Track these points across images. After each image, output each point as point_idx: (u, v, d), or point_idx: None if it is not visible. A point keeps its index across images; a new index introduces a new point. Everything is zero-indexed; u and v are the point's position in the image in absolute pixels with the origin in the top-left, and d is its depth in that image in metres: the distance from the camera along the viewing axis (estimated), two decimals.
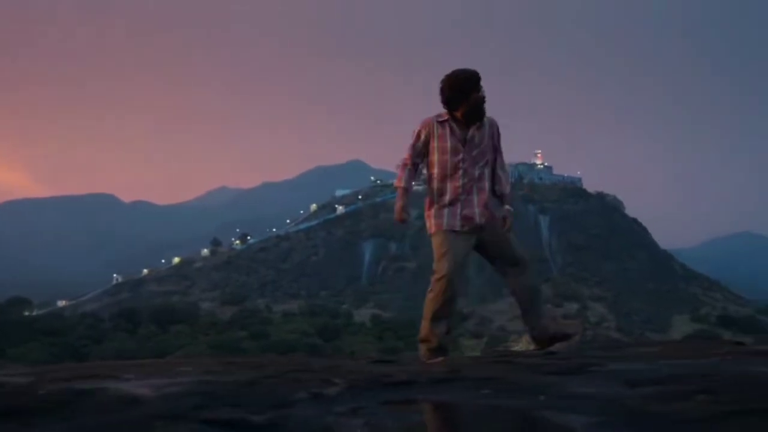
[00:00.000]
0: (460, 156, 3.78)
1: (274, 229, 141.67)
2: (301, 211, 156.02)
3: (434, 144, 3.80)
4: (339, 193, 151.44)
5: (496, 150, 3.98)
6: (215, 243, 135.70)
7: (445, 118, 3.79)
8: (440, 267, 3.80)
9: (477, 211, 3.83)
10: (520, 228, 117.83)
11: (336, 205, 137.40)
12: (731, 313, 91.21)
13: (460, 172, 3.79)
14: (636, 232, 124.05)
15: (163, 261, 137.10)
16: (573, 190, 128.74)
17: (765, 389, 2.05)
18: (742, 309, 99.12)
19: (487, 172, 3.90)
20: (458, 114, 3.77)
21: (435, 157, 3.83)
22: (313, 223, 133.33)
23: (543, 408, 1.96)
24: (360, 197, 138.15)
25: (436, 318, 3.81)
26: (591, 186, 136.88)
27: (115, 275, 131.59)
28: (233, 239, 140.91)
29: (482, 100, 3.75)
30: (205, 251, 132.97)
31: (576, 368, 2.69)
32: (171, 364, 3.12)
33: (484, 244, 3.93)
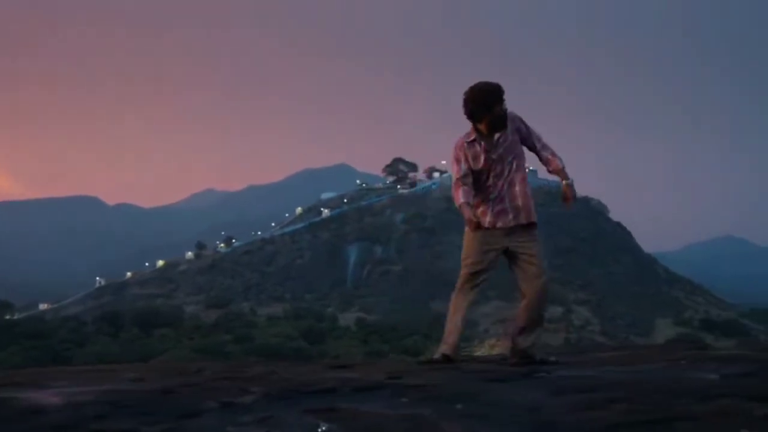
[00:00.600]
0: (489, 157, 4.04)
1: (259, 233, 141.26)
2: (287, 215, 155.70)
3: (470, 161, 4.08)
4: (325, 196, 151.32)
5: (529, 138, 4.19)
6: (200, 246, 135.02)
7: (473, 137, 4.06)
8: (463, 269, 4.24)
9: (510, 206, 4.14)
10: None
11: (322, 209, 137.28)
12: (714, 317, 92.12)
13: (492, 173, 4.06)
14: (620, 236, 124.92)
15: (147, 264, 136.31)
16: (557, 194, 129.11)
17: (687, 397, 2.02)
18: (724, 313, 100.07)
19: (516, 166, 4.14)
20: (482, 126, 4.00)
21: (475, 173, 4.11)
22: (299, 226, 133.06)
23: (451, 418, 1.95)
24: (346, 201, 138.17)
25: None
26: (576, 190, 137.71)
27: (98, 278, 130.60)
28: (218, 242, 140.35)
29: (504, 113, 3.97)
30: (190, 254, 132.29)
31: (523, 375, 2.72)
32: (116, 370, 3.12)
33: (510, 252, 4.26)
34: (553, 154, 4.23)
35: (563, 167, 4.22)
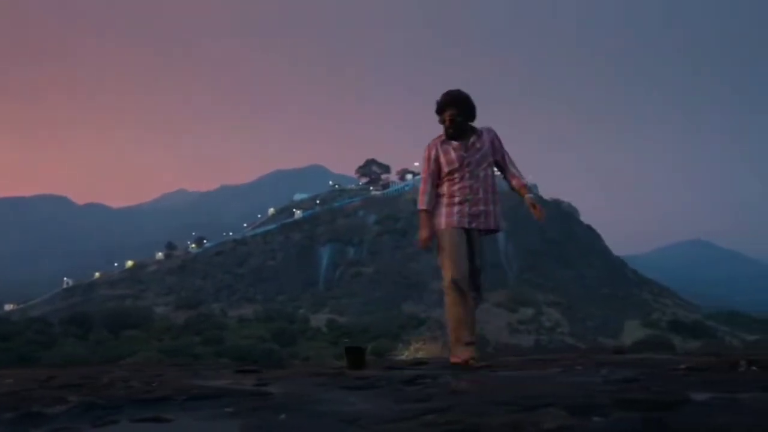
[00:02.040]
0: (464, 161, 4.14)
1: (231, 233, 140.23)
2: (259, 215, 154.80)
3: (441, 160, 4.19)
4: (297, 197, 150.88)
5: (501, 152, 4.32)
6: (170, 246, 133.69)
7: (444, 137, 4.22)
8: (445, 272, 4.15)
9: (485, 210, 4.20)
10: None
11: (294, 210, 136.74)
12: (681, 319, 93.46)
13: (467, 173, 4.13)
14: (590, 239, 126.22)
15: (116, 264, 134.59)
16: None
17: (511, 406, 2.04)
18: (691, 315, 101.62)
19: (491, 173, 4.26)
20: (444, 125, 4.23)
21: (445, 170, 4.19)
22: (271, 227, 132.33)
23: (253, 430, 1.96)
24: (318, 202, 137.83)
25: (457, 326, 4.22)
26: (547, 193, 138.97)
27: (65, 279, 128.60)
28: (189, 243, 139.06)
29: (452, 120, 4.12)
30: (160, 255, 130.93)
31: (401, 381, 2.76)
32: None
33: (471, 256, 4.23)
34: (519, 173, 4.36)
35: (526, 184, 4.35)
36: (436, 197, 4.22)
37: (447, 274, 4.09)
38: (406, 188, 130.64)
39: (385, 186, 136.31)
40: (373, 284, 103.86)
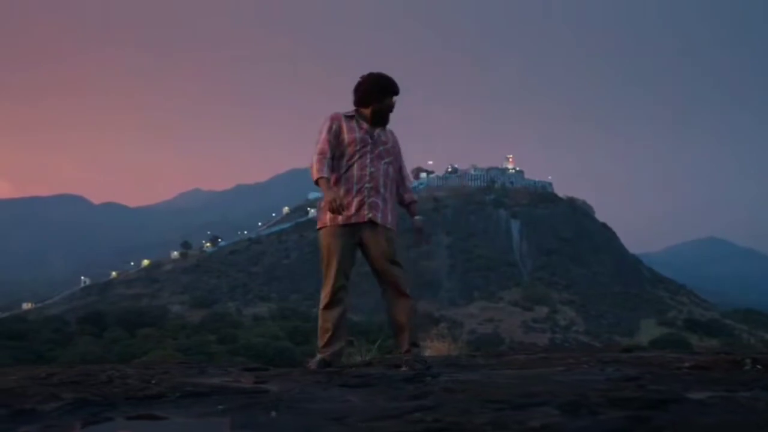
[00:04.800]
0: (368, 147, 3.74)
1: (245, 232, 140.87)
2: (273, 214, 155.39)
3: (343, 136, 3.73)
4: (312, 196, 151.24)
5: (400, 160, 3.96)
6: (185, 246, 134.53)
7: (352, 114, 3.80)
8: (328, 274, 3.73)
9: (385, 210, 3.77)
10: (491, 232, 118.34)
11: (309, 208, 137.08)
12: (697, 317, 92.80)
13: (368, 160, 3.73)
14: (605, 237, 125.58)
15: (132, 263, 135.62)
16: (544, 195, 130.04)
17: (502, 405, 2.03)
18: (707, 313, 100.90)
19: (392, 171, 3.84)
20: (367, 111, 3.79)
21: (345, 150, 3.73)
22: (286, 226, 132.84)
23: (245, 427, 1.95)
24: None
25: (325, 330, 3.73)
26: (561, 191, 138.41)
27: (82, 278, 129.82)
28: (204, 242, 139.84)
29: (392, 107, 3.80)
30: (175, 254, 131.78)
31: (402, 379, 2.74)
32: (5, 373, 3.11)
33: (368, 254, 3.82)
34: (410, 187, 4.06)
35: (416, 201, 4.03)
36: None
37: (328, 283, 3.72)
38: (420, 187, 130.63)
39: None
40: None
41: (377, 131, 3.80)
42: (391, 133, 3.90)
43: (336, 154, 3.73)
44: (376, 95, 3.75)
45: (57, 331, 56.02)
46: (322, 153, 3.67)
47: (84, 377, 2.80)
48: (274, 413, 2.09)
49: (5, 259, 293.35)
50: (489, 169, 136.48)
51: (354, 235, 3.74)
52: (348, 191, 3.70)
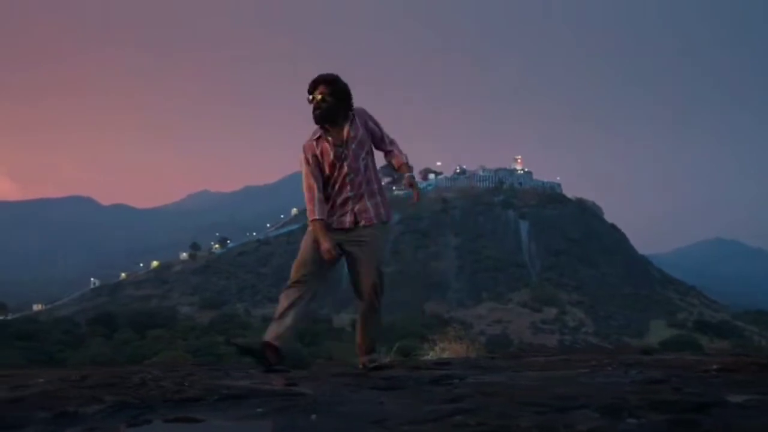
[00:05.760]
0: (341, 156, 3.72)
1: (254, 233, 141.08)
2: (282, 215, 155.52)
3: (322, 163, 3.74)
4: None
5: (378, 132, 3.89)
6: (194, 247, 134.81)
7: (318, 134, 3.77)
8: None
9: (370, 212, 3.78)
10: (499, 233, 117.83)
11: None
12: (707, 318, 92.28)
13: (345, 169, 3.73)
14: (614, 238, 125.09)
15: (141, 265, 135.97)
16: (552, 196, 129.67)
17: (542, 408, 2.03)
18: (718, 314, 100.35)
19: (371, 162, 3.84)
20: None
21: (326, 172, 3.76)
22: (294, 227, 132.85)
23: (284, 430, 1.98)
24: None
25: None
26: (570, 191, 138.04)
27: (92, 279, 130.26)
28: (213, 243, 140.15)
29: (316, 102, 3.69)
30: (184, 255, 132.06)
31: (429, 381, 2.75)
32: (28, 376, 3.13)
33: (352, 258, 3.83)
34: (399, 150, 3.96)
35: (406, 162, 3.94)
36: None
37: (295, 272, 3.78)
38: (429, 188, 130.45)
39: None
40: (396, 284, 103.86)
41: (345, 130, 3.73)
42: (359, 114, 3.83)
43: (323, 181, 3.76)
44: (309, 95, 3.72)
45: (67, 332, 56.22)
46: (310, 190, 3.75)
47: (118, 379, 2.83)
48: (314, 416, 2.11)
49: (16, 261, 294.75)
50: (497, 170, 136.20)
51: (335, 240, 3.75)
52: (333, 203, 3.76)
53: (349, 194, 3.74)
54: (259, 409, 2.24)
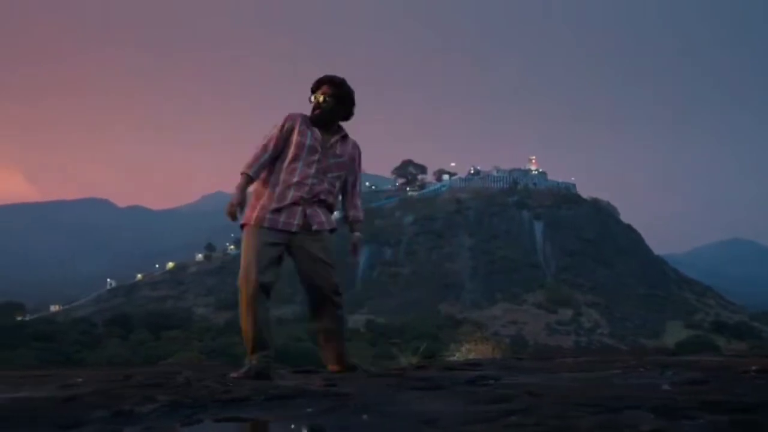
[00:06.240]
0: (316, 157, 3.54)
1: None
2: None
3: (293, 138, 3.53)
4: None
5: (355, 174, 3.77)
6: (209, 248, 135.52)
7: (309, 119, 3.63)
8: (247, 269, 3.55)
9: (321, 216, 3.60)
10: (514, 233, 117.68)
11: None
12: (724, 319, 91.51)
13: (312, 171, 3.53)
14: (630, 238, 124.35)
15: (157, 266, 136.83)
16: (567, 196, 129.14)
17: (593, 408, 1.99)
18: (735, 315, 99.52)
19: (337, 188, 3.68)
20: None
21: (290, 152, 3.53)
22: None
23: (333, 429, 1.96)
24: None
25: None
26: (585, 192, 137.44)
27: (108, 280, 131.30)
28: (227, 244, 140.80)
29: (317, 101, 3.58)
30: (200, 256, 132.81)
31: (465, 382, 2.72)
32: (68, 375, 3.15)
33: (307, 260, 3.63)
34: (360, 206, 3.87)
35: (361, 221, 3.87)
36: (264, 180, 3.56)
37: (250, 271, 3.51)
38: (443, 189, 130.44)
39: (422, 186, 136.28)
40: (410, 285, 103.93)
41: (333, 141, 3.60)
42: (353, 145, 3.71)
43: (281, 156, 3.56)
44: (312, 93, 3.62)
45: (84, 333, 56.73)
46: (263, 149, 3.54)
47: (163, 379, 2.85)
48: (365, 416, 2.10)
49: (34, 262, 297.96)
50: (512, 171, 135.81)
51: (278, 241, 3.57)
52: (282, 196, 3.52)
53: (304, 195, 3.53)
54: (308, 409, 2.24)
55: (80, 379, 2.83)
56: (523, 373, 3.07)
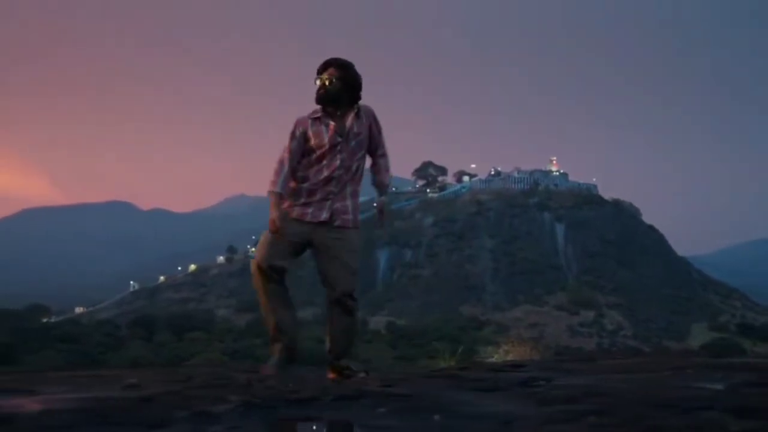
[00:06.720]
0: (338, 147, 3.56)
1: None
2: None
3: (310, 141, 3.56)
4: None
5: (377, 139, 3.73)
6: (231, 250, 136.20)
7: (318, 115, 3.60)
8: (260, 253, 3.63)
9: (348, 212, 3.62)
10: (535, 235, 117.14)
11: None
12: (750, 321, 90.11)
13: (338, 163, 3.56)
14: (653, 239, 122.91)
15: (179, 268, 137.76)
16: (589, 197, 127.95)
17: (668, 409, 1.98)
18: (760, 317, 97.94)
19: (362, 167, 3.69)
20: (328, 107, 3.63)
21: (313, 155, 3.57)
22: None
23: (417, 429, 1.96)
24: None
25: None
26: (607, 193, 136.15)
27: (131, 282, 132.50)
28: (249, 246, 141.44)
29: (321, 83, 3.55)
30: (221, 258, 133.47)
31: (519, 383, 2.69)
32: (121, 375, 3.16)
33: (326, 257, 3.63)
34: (387, 167, 3.81)
35: (388, 184, 3.84)
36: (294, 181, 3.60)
37: (261, 251, 3.60)
38: (463, 190, 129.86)
39: (442, 188, 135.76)
40: (431, 286, 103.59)
41: (349, 123, 3.58)
42: (366, 112, 3.67)
43: (303, 159, 3.59)
44: (317, 75, 3.59)
45: (108, 334, 57.33)
46: (281, 163, 3.56)
47: (225, 380, 2.87)
48: (437, 417, 2.07)
49: (60, 265, 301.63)
50: (532, 172, 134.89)
51: (303, 232, 3.59)
52: (311, 192, 3.57)
53: (333, 189, 3.56)
54: (381, 409, 2.22)
55: (133, 380, 2.83)
56: (573, 375, 2.99)
